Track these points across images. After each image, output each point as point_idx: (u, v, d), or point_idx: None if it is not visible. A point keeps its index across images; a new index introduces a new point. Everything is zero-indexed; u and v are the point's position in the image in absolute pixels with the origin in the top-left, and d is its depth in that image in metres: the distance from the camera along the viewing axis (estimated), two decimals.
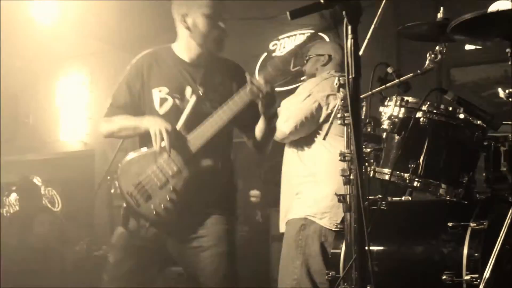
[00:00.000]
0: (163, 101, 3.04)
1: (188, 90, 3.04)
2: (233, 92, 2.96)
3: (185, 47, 3.11)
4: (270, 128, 3.06)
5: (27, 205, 6.58)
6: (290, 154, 3.88)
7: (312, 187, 3.70)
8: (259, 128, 3.08)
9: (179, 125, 2.94)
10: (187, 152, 2.92)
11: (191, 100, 2.99)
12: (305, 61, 4.11)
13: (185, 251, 3.02)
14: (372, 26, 2.80)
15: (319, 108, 3.73)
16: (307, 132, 3.75)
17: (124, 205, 3.06)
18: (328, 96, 3.74)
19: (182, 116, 2.95)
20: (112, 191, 5.69)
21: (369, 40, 2.92)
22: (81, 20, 7.14)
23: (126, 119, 3.09)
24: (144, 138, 3.01)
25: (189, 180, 2.93)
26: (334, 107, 3.50)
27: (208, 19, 3.03)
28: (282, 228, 3.84)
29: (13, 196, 7.69)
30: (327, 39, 7.00)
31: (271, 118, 3.03)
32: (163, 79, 3.07)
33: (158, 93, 3.05)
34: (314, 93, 3.77)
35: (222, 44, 3.09)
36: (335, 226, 3.41)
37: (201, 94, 2.98)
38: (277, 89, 6.89)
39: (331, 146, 3.61)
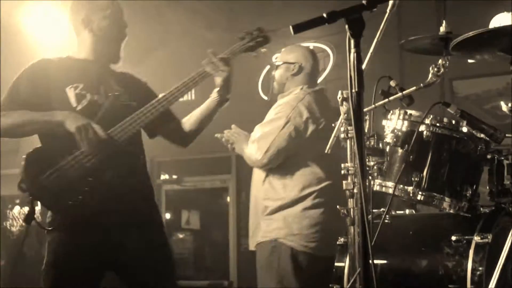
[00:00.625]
0: (80, 97, 2.93)
1: (102, 88, 2.99)
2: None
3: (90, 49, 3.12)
4: (212, 116, 3.19)
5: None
6: (259, 175, 3.84)
7: (281, 209, 3.69)
8: (198, 114, 3.22)
9: (97, 117, 2.86)
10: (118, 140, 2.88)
11: (109, 96, 2.95)
12: (274, 67, 4.06)
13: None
14: (375, 40, 2.80)
15: (298, 135, 3.66)
16: (285, 159, 3.70)
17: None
18: (307, 120, 3.68)
19: (101, 109, 2.90)
20: None
21: (371, 54, 2.92)
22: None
23: (31, 113, 2.91)
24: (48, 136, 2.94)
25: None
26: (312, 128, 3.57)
27: (109, 20, 3.09)
28: (252, 246, 3.87)
29: (17, 209, 7.68)
30: (329, 51, 7.05)
31: (222, 104, 3.16)
32: (78, 77, 2.98)
33: (73, 90, 2.94)
34: (292, 118, 3.67)
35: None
36: (305, 247, 3.56)
37: (116, 92, 2.97)
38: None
39: (301, 169, 3.66)
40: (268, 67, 7.21)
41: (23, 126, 2.92)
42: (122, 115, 2.89)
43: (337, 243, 3.10)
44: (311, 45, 7.12)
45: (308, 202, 3.66)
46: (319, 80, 6.93)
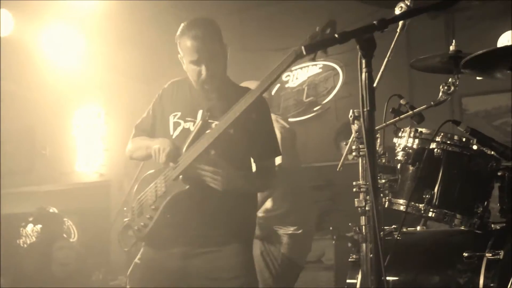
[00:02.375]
0: (176, 125, 3.13)
1: (200, 114, 3.11)
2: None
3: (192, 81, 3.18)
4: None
5: (46, 234, 6.62)
6: None
7: None
8: None
9: (185, 146, 2.98)
10: (178, 170, 2.97)
11: (198, 122, 3.04)
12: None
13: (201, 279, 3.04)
14: (386, 59, 2.83)
15: None
16: None
17: (126, 220, 3.22)
18: None
19: (188, 137, 3.00)
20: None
21: (381, 72, 2.94)
22: (97, 54, 7.25)
23: (143, 139, 3.23)
24: None
25: (172, 201, 2.97)
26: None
27: (194, 65, 3.07)
28: None
29: (30, 227, 7.70)
30: (339, 69, 7.08)
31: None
32: (179, 105, 3.17)
33: (173, 118, 3.15)
34: None
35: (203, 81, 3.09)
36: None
37: (206, 118, 3.03)
38: (291, 119, 7.01)
39: None
40: (278, 85, 7.26)
41: (135, 152, 3.28)
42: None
43: (349, 259, 3.11)
44: (320, 63, 7.17)
45: None
46: (329, 98, 7.06)
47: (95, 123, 8.74)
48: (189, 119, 3.10)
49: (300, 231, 4.24)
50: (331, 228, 6.71)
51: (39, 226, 6.96)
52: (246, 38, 7.43)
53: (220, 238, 3.02)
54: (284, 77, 7.35)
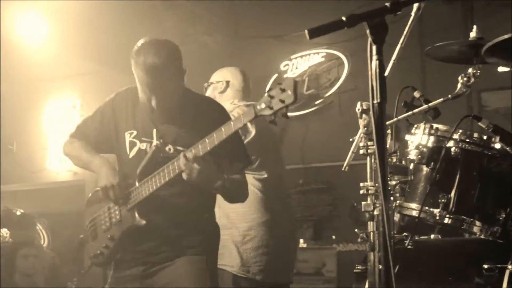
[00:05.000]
0: (132, 145, 3.19)
1: (155, 133, 3.16)
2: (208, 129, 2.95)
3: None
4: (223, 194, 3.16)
5: (12, 239, 6.59)
6: None
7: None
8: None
9: (137, 171, 3.07)
10: (131, 203, 3.08)
11: (152, 146, 3.12)
12: (204, 89, 4.17)
13: None
14: (398, 47, 2.82)
15: None
16: None
17: (81, 236, 3.38)
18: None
19: (142, 162, 3.08)
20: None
21: (394, 61, 2.93)
22: (70, 38, 7.21)
23: (84, 150, 3.31)
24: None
25: (128, 232, 3.09)
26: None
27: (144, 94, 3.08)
28: None
29: None
30: (344, 59, 7.09)
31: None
32: (136, 123, 3.21)
33: (129, 136, 3.20)
34: None
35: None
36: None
37: (159, 142, 3.10)
38: (290, 114, 7.01)
39: None
40: (275, 75, 7.24)
41: (74, 159, 3.39)
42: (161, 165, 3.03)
43: (354, 271, 3.10)
44: (323, 51, 7.16)
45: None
46: (332, 90, 7.06)
47: (69, 116, 8.69)
48: (144, 139, 3.17)
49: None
50: (333, 236, 6.72)
51: (4, 230, 6.92)
52: (239, 25, 7.43)
53: (173, 252, 3.12)
54: (282, 66, 7.34)
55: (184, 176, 2.86)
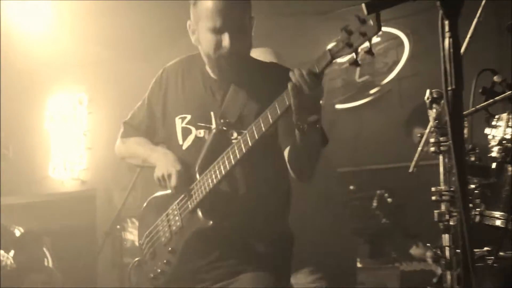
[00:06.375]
0: (186, 132, 3.18)
1: (213, 116, 3.13)
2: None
3: (206, 61, 3.18)
4: (310, 141, 2.92)
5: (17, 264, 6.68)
6: None
7: None
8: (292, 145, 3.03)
9: (197, 163, 3.05)
10: (193, 201, 3.04)
11: (211, 133, 3.08)
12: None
13: None
14: (474, 21, 2.80)
15: None
16: None
17: (136, 259, 3.42)
18: None
19: (201, 153, 3.06)
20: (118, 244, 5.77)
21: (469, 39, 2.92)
22: (77, 23, 7.27)
23: (139, 145, 3.34)
24: None
25: (192, 240, 3.06)
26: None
27: (213, 33, 3.05)
28: None
29: None
30: (404, 38, 7.04)
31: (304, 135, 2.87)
32: (188, 103, 3.20)
33: (181, 122, 3.18)
34: None
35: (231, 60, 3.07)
36: None
37: (220, 126, 3.07)
38: (338, 106, 7.00)
39: None
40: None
41: (130, 158, 3.43)
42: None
43: None
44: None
45: None
46: (390, 77, 7.01)
47: (75, 113, 8.80)
48: (201, 124, 3.14)
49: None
50: (393, 255, 6.69)
51: (2, 253, 7.02)
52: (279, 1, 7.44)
53: (236, 266, 3.08)
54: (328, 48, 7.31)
55: (292, 94, 2.67)
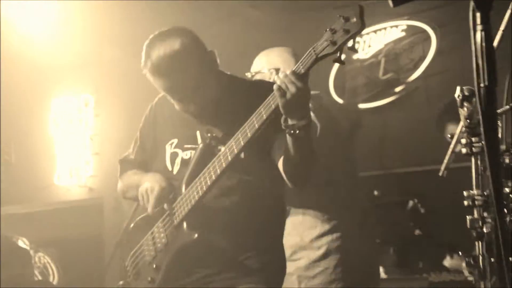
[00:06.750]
0: (173, 157, 3.29)
1: (199, 136, 3.23)
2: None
3: None
4: (302, 146, 2.96)
5: (9, 279, 6.66)
6: None
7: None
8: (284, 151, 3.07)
9: (184, 180, 3.15)
10: (179, 215, 3.13)
11: (198, 147, 3.17)
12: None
13: None
14: (508, 13, 2.79)
15: None
16: None
17: (120, 283, 3.43)
18: None
19: (188, 168, 3.15)
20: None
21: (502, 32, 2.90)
22: (82, 20, 7.28)
23: (135, 174, 3.49)
24: None
25: (177, 257, 3.13)
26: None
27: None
28: None
29: None
30: (431, 32, 7.00)
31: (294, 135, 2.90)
32: (175, 128, 3.33)
33: (170, 148, 3.31)
34: None
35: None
36: None
37: (207, 140, 3.14)
38: (361, 105, 6.98)
39: None
40: (343, 56, 7.20)
41: (127, 191, 3.52)
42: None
43: None
44: (404, 23, 7.10)
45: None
46: (416, 74, 6.98)
47: (80, 116, 8.81)
48: (188, 146, 3.24)
49: None
50: (420, 264, 6.66)
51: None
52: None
53: (225, 281, 3.14)
54: (350, 44, 7.29)
55: (279, 95, 2.76)
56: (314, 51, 2.69)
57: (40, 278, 7.89)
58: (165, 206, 3.15)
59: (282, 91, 2.73)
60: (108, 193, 8.19)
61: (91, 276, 7.61)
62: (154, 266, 3.18)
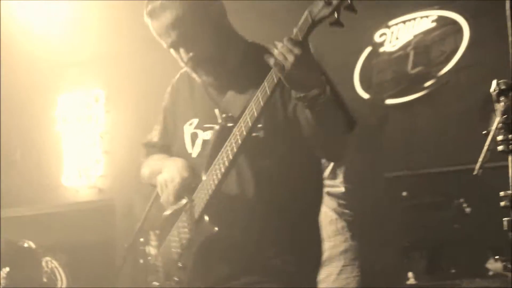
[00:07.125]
0: (193, 138, 3.24)
1: (218, 113, 3.17)
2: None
3: None
4: (323, 117, 2.86)
5: (17, 282, 6.70)
6: None
7: None
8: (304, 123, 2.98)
9: (203, 167, 3.10)
10: (199, 206, 3.07)
11: (214, 130, 3.12)
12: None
13: None
14: None
15: None
16: None
17: (156, 284, 3.39)
18: None
19: (206, 152, 3.11)
20: (142, 261, 5.75)
21: None
22: (91, 13, 7.31)
23: (158, 160, 3.42)
24: None
25: (200, 253, 3.08)
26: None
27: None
28: None
29: None
30: (464, 23, 6.99)
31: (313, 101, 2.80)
32: (195, 107, 3.29)
33: (189, 128, 3.27)
34: None
35: None
36: None
37: (223, 122, 3.09)
38: (389, 101, 6.97)
39: None
40: (369, 49, 7.20)
41: (151, 178, 3.42)
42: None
43: None
44: (434, 14, 7.07)
45: None
46: (448, 67, 6.96)
47: (90, 113, 8.83)
48: (208, 125, 3.19)
49: None
50: (453, 270, 6.64)
51: (6, 270, 7.06)
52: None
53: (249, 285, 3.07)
54: (377, 36, 7.29)
55: (277, 68, 2.70)
56: (310, 15, 2.60)
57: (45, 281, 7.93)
58: (185, 197, 3.08)
59: (280, 64, 2.67)
60: (119, 194, 8.24)
61: (101, 282, 7.64)
62: (180, 265, 3.14)
